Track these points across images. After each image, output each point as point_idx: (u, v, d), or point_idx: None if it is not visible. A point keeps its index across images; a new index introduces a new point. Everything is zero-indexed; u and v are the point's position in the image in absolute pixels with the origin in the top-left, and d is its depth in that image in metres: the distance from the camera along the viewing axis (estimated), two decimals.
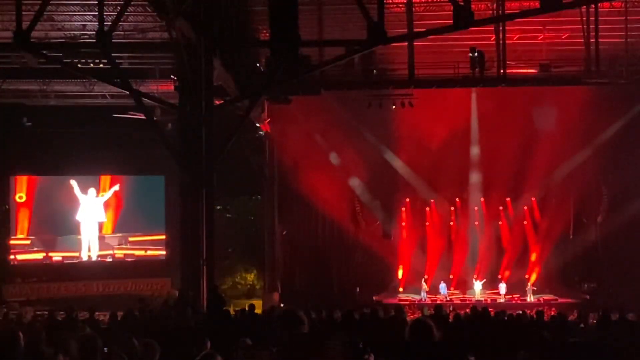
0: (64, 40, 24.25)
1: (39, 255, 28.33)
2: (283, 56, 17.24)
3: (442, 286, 31.24)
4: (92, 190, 28.70)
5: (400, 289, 32.25)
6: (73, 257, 28.59)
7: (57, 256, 28.48)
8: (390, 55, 26.32)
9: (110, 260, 29.01)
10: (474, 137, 31.76)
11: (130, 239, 29.28)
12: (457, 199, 32.70)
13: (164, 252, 29.28)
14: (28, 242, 28.32)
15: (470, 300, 29.81)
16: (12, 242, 28.29)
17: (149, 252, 29.33)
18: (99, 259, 28.85)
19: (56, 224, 28.59)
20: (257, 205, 34.36)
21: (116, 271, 28.98)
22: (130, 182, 29.60)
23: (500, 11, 23.82)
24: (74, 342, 7.25)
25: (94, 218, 28.75)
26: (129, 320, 14.28)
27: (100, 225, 28.94)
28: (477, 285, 31.28)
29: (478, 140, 31.75)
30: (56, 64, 22.03)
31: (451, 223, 32.90)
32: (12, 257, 28.22)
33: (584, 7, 23.48)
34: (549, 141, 29.41)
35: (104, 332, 12.23)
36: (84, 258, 28.71)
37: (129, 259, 29.19)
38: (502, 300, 29.99)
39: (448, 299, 30.43)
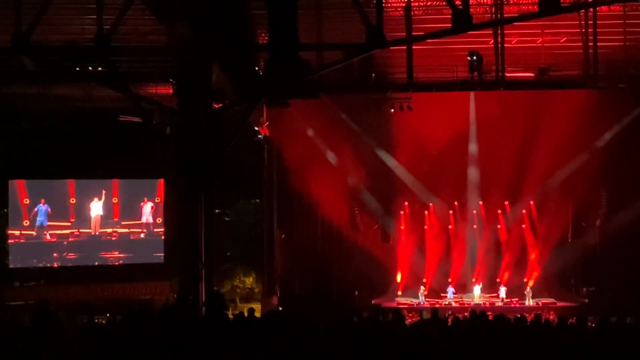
0: (63, 44, 24.25)
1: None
2: (282, 60, 17.24)
3: (450, 290, 31.32)
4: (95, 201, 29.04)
5: (399, 293, 32.28)
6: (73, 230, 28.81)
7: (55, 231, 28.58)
8: (389, 59, 26.34)
9: (115, 239, 29.08)
10: (472, 140, 31.80)
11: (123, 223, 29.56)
12: (455, 203, 32.73)
13: (162, 253, 29.34)
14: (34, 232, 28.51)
15: (469, 304, 29.85)
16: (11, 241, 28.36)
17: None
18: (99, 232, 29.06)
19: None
20: (256, 208, 34.36)
21: (115, 275, 28.98)
22: (128, 185, 29.69)
23: (498, 15, 23.88)
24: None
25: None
26: (127, 324, 14.23)
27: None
28: (476, 289, 31.33)
29: (477, 144, 31.80)
30: (55, 67, 22.04)
31: (450, 227, 32.92)
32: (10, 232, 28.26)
33: (583, 10, 23.51)
34: (547, 145, 29.44)
35: (104, 335, 12.20)
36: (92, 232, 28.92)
37: (133, 237, 29.30)
38: (500, 304, 30.01)
39: (447, 302, 30.47)
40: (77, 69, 24.27)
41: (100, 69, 24.14)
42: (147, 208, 29.54)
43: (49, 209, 28.49)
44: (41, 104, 28.75)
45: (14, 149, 28.72)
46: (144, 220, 29.50)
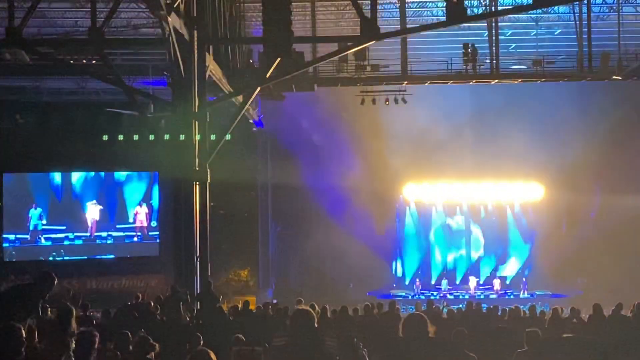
0: (56, 36, 24.16)
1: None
2: (276, 52, 17.22)
3: (444, 282, 31.41)
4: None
5: (394, 285, 32.36)
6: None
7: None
8: (384, 51, 26.32)
9: (111, 241, 28.87)
10: (468, 131, 31.83)
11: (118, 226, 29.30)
12: (451, 195, 32.78)
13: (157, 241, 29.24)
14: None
15: (464, 296, 29.95)
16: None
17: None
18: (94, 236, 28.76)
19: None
20: (251, 201, 34.32)
21: (110, 268, 28.89)
22: (123, 188, 29.54)
23: (493, 7, 23.85)
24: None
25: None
26: (122, 317, 14.24)
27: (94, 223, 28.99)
28: (472, 281, 31.42)
29: (473, 135, 31.84)
30: (49, 60, 21.99)
31: (446, 218, 32.99)
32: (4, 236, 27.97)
33: (577, 2, 23.51)
34: (542, 137, 29.51)
35: (98, 327, 12.20)
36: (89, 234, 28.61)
37: (128, 240, 29.00)
38: (495, 296, 30.10)
39: (442, 295, 30.56)
40: (71, 61, 24.22)
41: (94, 61, 24.11)
42: (142, 211, 29.27)
43: (43, 213, 28.29)
44: (35, 97, 28.72)
45: (8, 142, 28.62)
46: (138, 223, 29.23)
